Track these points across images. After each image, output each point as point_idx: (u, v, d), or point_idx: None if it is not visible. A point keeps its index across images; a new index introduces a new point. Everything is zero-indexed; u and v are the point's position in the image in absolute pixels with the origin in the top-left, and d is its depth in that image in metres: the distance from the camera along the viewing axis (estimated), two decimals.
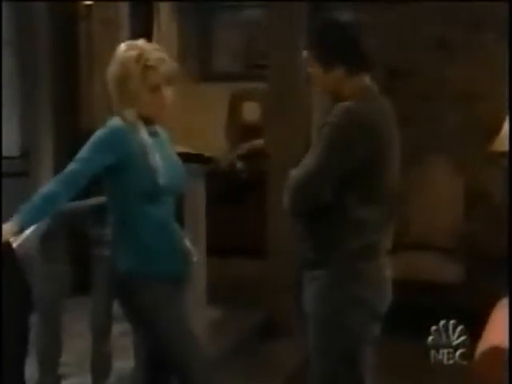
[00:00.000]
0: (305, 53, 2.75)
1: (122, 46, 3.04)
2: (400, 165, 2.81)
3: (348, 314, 2.69)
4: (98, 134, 3.00)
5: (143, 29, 7.66)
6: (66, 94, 6.49)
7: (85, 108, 6.72)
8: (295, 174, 2.70)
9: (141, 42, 3.05)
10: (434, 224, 6.08)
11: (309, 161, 2.67)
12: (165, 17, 8.22)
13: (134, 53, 2.98)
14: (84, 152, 2.96)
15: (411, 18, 6.30)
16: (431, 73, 6.37)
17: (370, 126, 2.64)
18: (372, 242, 2.70)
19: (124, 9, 6.95)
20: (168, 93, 3.03)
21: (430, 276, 5.72)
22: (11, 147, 6.10)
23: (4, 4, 5.75)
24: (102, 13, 6.94)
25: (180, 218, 3.30)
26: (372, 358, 2.85)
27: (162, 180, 2.95)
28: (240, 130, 8.49)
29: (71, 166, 2.93)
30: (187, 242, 3.14)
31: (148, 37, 8.09)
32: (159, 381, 3.13)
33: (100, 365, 3.63)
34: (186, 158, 3.60)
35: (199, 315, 4.27)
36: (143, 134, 2.99)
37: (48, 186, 2.91)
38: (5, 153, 5.68)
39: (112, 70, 3.03)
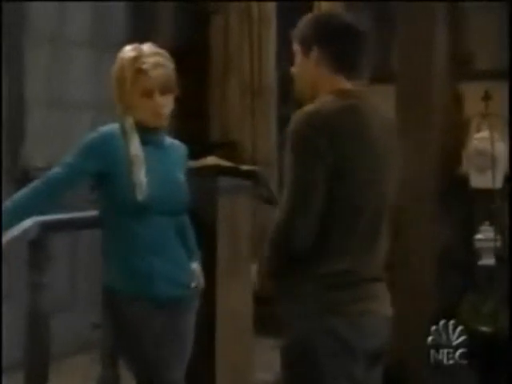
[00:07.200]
0: (294, 44, 2.63)
1: (126, 47, 3.07)
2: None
3: (313, 346, 2.46)
4: (87, 138, 3.04)
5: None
6: (194, 99, 5.83)
7: (217, 114, 6.10)
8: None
9: (145, 46, 3.07)
10: None
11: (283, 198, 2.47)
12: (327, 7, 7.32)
13: (131, 54, 3.02)
14: (69, 156, 3.00)
15: None
16: None
17: (332, 129, 2.43)
18: (343, 269, 2.48)
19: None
20: (164, 101, 3.01)
21: None
22: None
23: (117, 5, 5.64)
24: (242, 5, 6.25)
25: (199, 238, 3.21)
26: None
27: (141, 196, 2.92)
28: None
29: (54, 170, 2.98)
30: (192, 266, 3.11)
31: None
32: None
33: None
34: (218, 171, 3.61)
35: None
36: (134, 144, 2.99)
37: (29, 189, 2.94)
38: None
39: (112, 70, 3.06)
